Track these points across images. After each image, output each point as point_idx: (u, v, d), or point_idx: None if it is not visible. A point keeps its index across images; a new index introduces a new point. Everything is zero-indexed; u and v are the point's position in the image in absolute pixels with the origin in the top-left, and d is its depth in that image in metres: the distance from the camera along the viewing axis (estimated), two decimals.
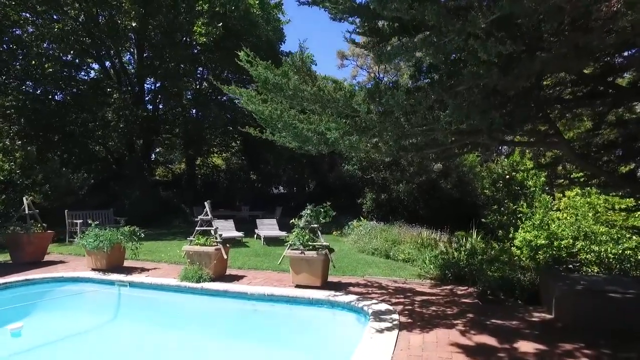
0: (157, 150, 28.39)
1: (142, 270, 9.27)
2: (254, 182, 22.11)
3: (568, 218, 12.56)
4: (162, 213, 20.29)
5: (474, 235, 11.94)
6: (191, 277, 7.87)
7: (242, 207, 19.10)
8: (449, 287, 8.06)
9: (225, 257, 8.20)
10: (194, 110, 22.31)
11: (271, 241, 13.90)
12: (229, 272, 9.13)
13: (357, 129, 5.38)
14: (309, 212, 7.86)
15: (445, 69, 4.86)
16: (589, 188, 16.80)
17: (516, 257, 9.84)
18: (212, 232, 8.58)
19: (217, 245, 8.29)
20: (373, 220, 16.82)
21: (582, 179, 18.11)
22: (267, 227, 14.53)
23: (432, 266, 9.39)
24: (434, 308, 6.34)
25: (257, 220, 15.05)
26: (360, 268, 9.81)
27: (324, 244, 7.61)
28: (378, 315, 5.82)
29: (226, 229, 14.15)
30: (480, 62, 4.19)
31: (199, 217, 8.74)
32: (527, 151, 20.18)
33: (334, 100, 5.11)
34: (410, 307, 6.37)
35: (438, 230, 14.15)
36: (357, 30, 6.62)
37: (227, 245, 8.77)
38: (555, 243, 10.76)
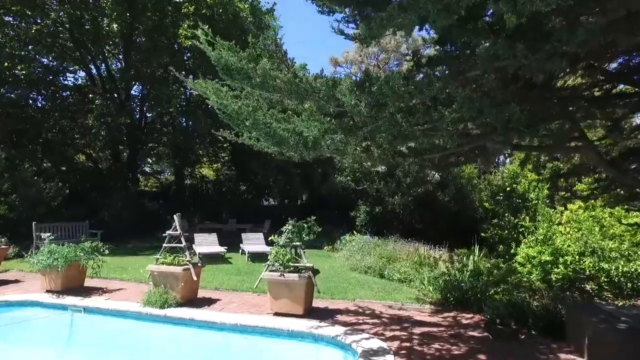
0: (149, 160, 27.29)
1: (105, 291, 8.08)
2: (242, 194, 20.95)
3: (572, 233, 11.56)
4: (147, 225, 19.07)
5: (476, 252, 10.86)
6: (154, 302, 6.72)
7: (229, 219, 17.92)
8: (451, 315, 6.93)
9: (195, 278, 7.05)
10: (182, 119, 21.26)
11: (257, 257, 12.72)
12: (202, 294, 7.97)
13: (343, 127, 4.30)
14: (290, 227, 6.76)
15: (455, 44, 3.82)
16: (593, 201, 15.80)
17: (525, 279, 8.78)
18: (183, 249, 7.43)
19: (186, 265, 7.14)
20: (367, 234, 15.72)
21: (585, 192, 17.09)
22: (253, 242, 13.37)
23: (431, 288, 8.27)
24: (437, 346, 5.20)
25: (242, 234, 13.88)
26: (351, 290, 8.67)
27: (308, 265, 6.49)
28: (369, 357, 4.67)
29: (208, 243, 12.99)
30: (501, 32, 3.16)
31: (167, 232, 7.61)
32: (529, 162, 19.27)
33: (314, 90, 4.05)
34: (408, 344, 5.24)
35: (436, 245, 13.05)
36: (347, 19, 5.63)
37: (200, 264, 7.62)
38: (561, 259, 9.83)
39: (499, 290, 7.57)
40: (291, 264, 6.48)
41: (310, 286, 6.41)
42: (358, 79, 4.38)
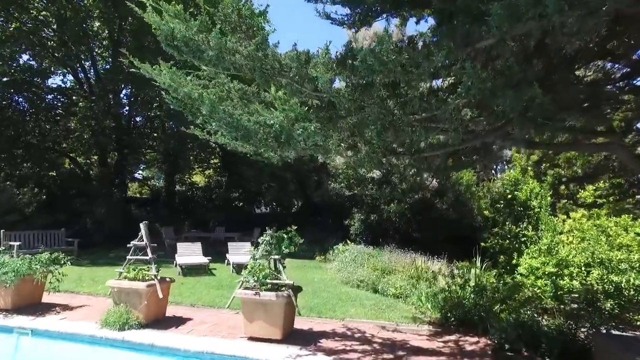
0: (142, 167, 26.37)
1: (65, 308, 7.14)
2: (232, 201, 20.00)
3: (575, 242, 10.81)
4: (133, 233, 18.06)
5: (478, 264, 9.96)
6: (113, 323, 5.79)
7: (216, 227, 16.94)
8: (453, 338, 6.02)
9: (160, 295, 6.11)
10: (172, 123, 20.33)
11: (243, 268, 11.77)
12: (175, 311, 7.06)
13: (321, 116, 3.43)
14: (267, 238, 5.85)
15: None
16: (597, 209, 14.90)
17: (531, 292, 7.89)
18: (149, 262, 6.50)
19: (152, 280, 6.21)
20: (361, 243, 14.80)
21: (589, 200, 16.22)
22: (240, 252, 12.42)
23: (429, 305, 7.36)
24: None
25: (229, 243, 12.94)
26: (341, 307, 7.75)
27: (287, 282, 5.57)
28: None
29: (191, 253, 12.05)
30: None
31: (132, 242, 6.69)
32: (530, 168, 18.48)
33: (282, 67, 3.17)
34: None
35: (434, 256, 12.14)
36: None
37: (169, 279, 6.69)
38: (566, 271, 8.54)
39: (505, 308, 6.67)
40: (269, 281, 5.56)
41: (290, 306, 5.49)
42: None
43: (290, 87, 3.45)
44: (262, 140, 3.76)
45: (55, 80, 34.55)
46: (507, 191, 14.82)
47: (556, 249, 9.82)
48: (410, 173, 7.07)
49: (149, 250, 6.45)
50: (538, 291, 8.53)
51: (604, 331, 6.05)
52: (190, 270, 11.21)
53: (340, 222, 17.29)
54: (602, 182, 15.22)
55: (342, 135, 4.02)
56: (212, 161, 22.62)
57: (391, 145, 4.07)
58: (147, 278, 6.27)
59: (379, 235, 15.85)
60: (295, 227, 6.18)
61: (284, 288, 5.58)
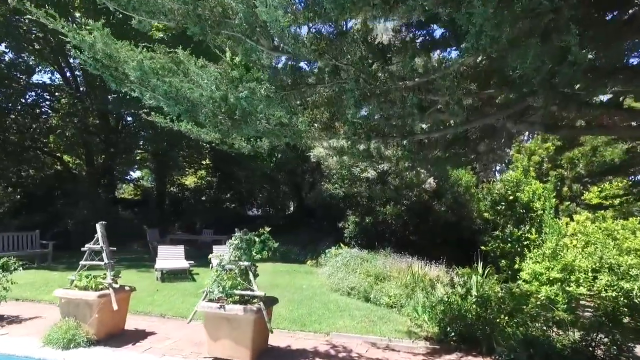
0: (135, 166, 25.45)
1: (12, 322, 6.23)
2: (223, 202, 19.09)
3: (578, 245, 10.06)
4: (119, 235, 17.18)
5: (480, 269, 9.08)
6: (57, 340, 4.90)
7: (203, 229, 16.02)
8: (453, 358, 5.12)
9: (115, 307, 5.21)
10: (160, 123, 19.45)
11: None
12: (138, 323, 6.21)
13: (279, 80, 2.56)
14: (236, 242, 4.96)
15: None
16: (603, 212, 14.09)
17: (536, 301, 7.02)
18: (105, 267, 5.61)
19: (106, 289, 5.32)
20: (355, 247, 13.90)
21: (594, 202, 15.34)
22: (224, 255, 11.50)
23: (426, 317, 6.48)
24: None
25: (214, 246, 12.03)
26: (328, 318, 6.85)
27: (258, 293, 4.68)
28: None
29: (173, 257, 11.14)
30: None
31: (86, 245, 5.81)
32: (532, 168, 17.62)
33: (225, 10, 2.29)
34: None
35: (432, 261, 11.24)
36: None
37: (128, 288, 5.80)
38: (572, 277, 7.85)
39: (513, 322, 5.79)
40: (236, 292, 4.67)
41: (261, 322, 4.59)
42: None
43: (241, 46, 2.58)
44: (210, 117, 2.89)
45: (43, 78, 33.51)
46: (509, 192, 13.98)
47: (561, 253, 9.05)
48: (405, 166, 6.15)
49: (105, 255, 5.55)
50: (542, 298, 7.76)
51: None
52: (170, 276, 10.32)
53: (335, 224, 16.40)
54: (618, 180, 14.33)
55: (314, 113, 3.14)
56: (203, 162, 21.74)
57: (377, 125, 3.19)
58: (100, 287, 5.37)
59: (374, 238, 14.95)
60: (269, 229, 5.28)
61: (255, 300, 4.69)
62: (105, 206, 17.15)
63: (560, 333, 5.75)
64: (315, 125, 3.21)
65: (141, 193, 24.08)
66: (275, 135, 3.24)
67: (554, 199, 13.57)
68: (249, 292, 4.68)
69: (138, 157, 22.77)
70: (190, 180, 22.97)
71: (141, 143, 19.77)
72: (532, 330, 5.64)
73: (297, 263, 13.61)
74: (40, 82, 17.27)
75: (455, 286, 6.53)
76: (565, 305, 6.50)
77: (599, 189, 15.74)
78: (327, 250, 13.03)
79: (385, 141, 3.52)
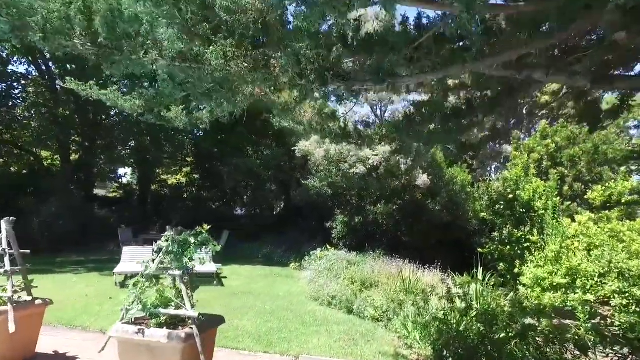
0: (119, 165, 24.11)
1: None
2: (205, 201, 17.78)
3: (580, 248, 9.07)
4: (94, 235, 15.91)
5: (479, 275, 7.91)
6: None
7: (181, 229, 14.69)
8: None
9: (12, 328, 3.93)
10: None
11: (200, 277, 9.65)
12: (65, 342, 4.96)
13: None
14: (167, 244, 3.73)
15: None
16: (607, 212, 12.99)
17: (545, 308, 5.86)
18: (5, 276, 4.34)
19: (4, 306, 4.06)
20: (344, 249, 12.69)
21: (598, 201, 14.26)
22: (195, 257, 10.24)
23: (417, 335, 5.26)
24: None
25: None
26: (300, 335, 5.63)
27: (190, 313, 3.43)
28: None
29: (138, 259, 9.82)
30: None
31: None
32: (532, 166, 16.50)
33: None
34: None
35: (425, 265, 10.06)
36: None
37: (42, 301, 4.53)
38: (579, 282, 7.10)
39: (525, 344, 4.59)
40: (162, 311, 3.44)
41: (192, 352, 3.34)
42: None
43: None
44: (52, 34, 1.64)
45: (19, 69, 32.06)
46: (509, 191, 12.82)
47: (566, 256, 8.05)
48: (392, 148, 4.93)
49: (7, 259, 4.29)
50: (548, 303, 6.78)
51: None
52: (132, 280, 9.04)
53: (323, 224, 15.19)
54: (624, 178, 13.19)
55: (236, 43, 1.90)
56: (187, 159, 20.44)
57: (336, 59, 1.97)
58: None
59: (364, 239, 13.75)
60: (209, 227, 4.08)
61: (188, 322, 3.46)
62: (80, 204, 15.85)
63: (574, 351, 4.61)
64: (241, 61, 1.99)
65: (124, 191, 22.72)
66: (178, 81, 2.05)
67: (557, 198, 12.42)
68: (180, 312, 3.45)
69: (122, 154, 21.52)
70: (175, 179, 21.65)
71: (119, 136, 18.42)
72: (550, 355, 4.47)
73: (280, 266, 12.37)
74: (14, 72, 15.90)
75: (453, 299, 5.32)
76: (587, 323, 5.29)
77: (603, 187, 14.60)
78: (312, 252, 11.79)
79: (349, 87, 2.31)
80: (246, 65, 1.97)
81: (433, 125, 3.42)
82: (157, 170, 21.69)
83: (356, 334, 5.72)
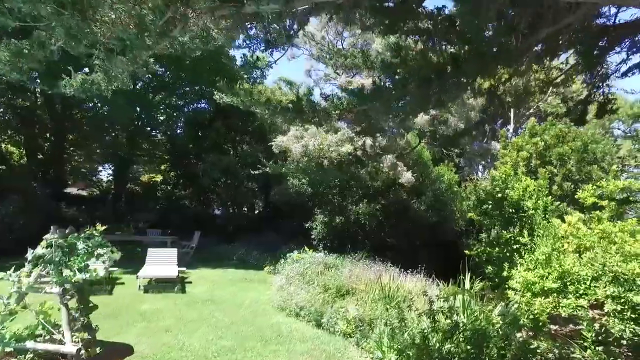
0: (96, 162, 22.81)
1: None
2: (179, 199, 16.65)
3: (570, 250, 8.47)
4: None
5: (467, 282, 7.04)
6: None
7: (150, 230, 13.60)
8: None
9: None
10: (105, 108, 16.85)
11: (160, 283, 8.63)
12: None
13: None
14: (44, 250, 2.72)
15: None
16: (598, 212, 12.27)
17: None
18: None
19: None
20: (323, 250, 11.77)
21: (589, 201, 13.51)
22: (158, 261, 9.22)
23: (393, 357, 4.33)
24: None
25: (149, 249, 9.68)
26: (256, 356, 4.66)
27: (67, 349, 2.42)
28: None
29: (94, 262, 8.76)
30: None
31: None
32: (522, 163, 15.79)
33: None
34: None
35: (410, 269, 9.17)
36: None
37: None
38: (571, 287, 6.57)
39: None
40: (28, 346, 2.43)
41: None
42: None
43: None
44: None
45: None
46: (497, 189, 12.02)
47: (557, 259, 7.40)
48: (360, 126, 4.00)
49: None
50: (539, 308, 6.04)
51: None
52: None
53: (303, 225, 14.22)
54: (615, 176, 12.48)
55: None
56: (165, 156, 19.31)
57: None
58: None
59: (345, 240, 12.82)
60: (104, 228, 3.13)
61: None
62: (42, 203, 14.63)
63: None
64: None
65: (99, 189, 21.47)
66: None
67: (549, 197, 11.67)
68: (47, 347, 2.45)
69: (98, 151, 20.30)
70: (149, 177, 20.47)
71: (90, 131, 17.22)
72: None
73: (254, 269, 11.38)
74: None
75: (436, 314, 4.39)
76: (591, 339, 4.43)
77: (594, 187, 13.89)
78: (288, 255, 10.81)
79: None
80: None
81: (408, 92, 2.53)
82: (138, 168, 20.58)
83: (322, 354, 4.78)
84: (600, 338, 4.76)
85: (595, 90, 4.29)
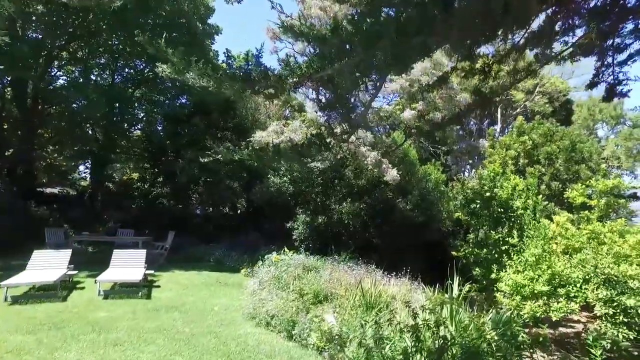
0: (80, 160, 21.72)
1: None
2: (155, 198, 15.74)
3: (559, 250, 8.02)
4: (27, 236, 13.73)
5: (455, 288, 6.43)
6: None
7: (121, 230, 12.73)
8: None
9: None
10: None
11: (125, 288, 7.85)
12: None
13: None
14: None
15: None
16: (588, 212, 11.84)
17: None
18: None
19: None
20: (305, 252, 11.09)
21: (578, 201, 13.08)
22: (123, 263, 8.43)
23: None
24: None
25: (115, 250, 8.87)
26: None
27: None
28: None
29: (46, 266, 7.95)
30: None
31: None
32: (510, 161, 15.38)
33: None
34: None
35: (394, 271, 8.56)
36: None
37: None
38: (562, 290, 6.31)
39: None
40: None
41: None
42: None
43: None
44: None
45: None
46: (485, 188, 11.49)
47: (547, 260, 6.96)
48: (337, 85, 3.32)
49: None
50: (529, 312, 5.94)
51: None
52: (29, 295, 7.16)
53: (284, 225, 13.51)
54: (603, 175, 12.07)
55: None
56: (145, 154, 18.39)
57: None
58: None
59: (329, 241, 12.15)
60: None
61: None
62: (10, 200, 13.66)
63: None
64: None
65: (75, 188, 20.42)
66: None
67: (539, 196, 11.21)
68: None
69: (75, 149, 19.25)
70: (126, 175, 19.53)
71: (63, 127, 16.25)
72: None
73: (231, 271, 10.66)
74: None
75: (421, 328, 3.73)
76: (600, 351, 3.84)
77: (583, 186, 13.47)
78: (267, 256, 10.10)
79: None
80: None
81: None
82: (115, 167, 19.61)
83: None
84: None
85: (604, 69, 3.76)
